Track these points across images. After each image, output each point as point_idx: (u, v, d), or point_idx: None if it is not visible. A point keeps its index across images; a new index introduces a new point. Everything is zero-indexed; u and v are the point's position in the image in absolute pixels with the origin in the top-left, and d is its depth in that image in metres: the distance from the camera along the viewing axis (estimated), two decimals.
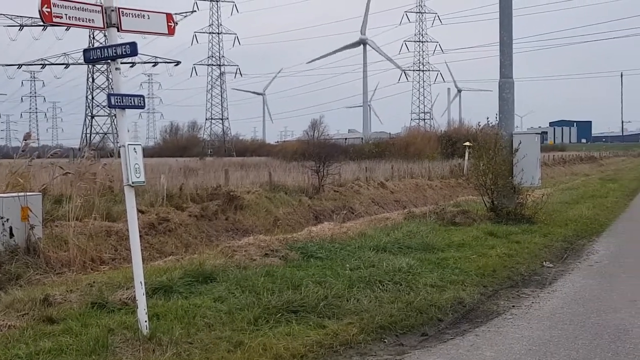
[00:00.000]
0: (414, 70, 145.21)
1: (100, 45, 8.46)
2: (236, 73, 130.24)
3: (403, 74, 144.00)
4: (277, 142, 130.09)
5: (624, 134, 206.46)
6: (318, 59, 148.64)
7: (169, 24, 7.66)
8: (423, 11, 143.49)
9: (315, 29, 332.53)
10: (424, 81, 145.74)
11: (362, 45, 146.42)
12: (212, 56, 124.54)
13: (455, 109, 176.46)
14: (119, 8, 7.15)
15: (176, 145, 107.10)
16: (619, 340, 7.29)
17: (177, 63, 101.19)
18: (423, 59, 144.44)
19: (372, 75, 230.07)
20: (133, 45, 6.98)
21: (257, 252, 11.14)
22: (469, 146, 31.85)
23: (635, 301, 9.10)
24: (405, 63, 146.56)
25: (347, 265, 10.30)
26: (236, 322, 7.45)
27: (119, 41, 7.25)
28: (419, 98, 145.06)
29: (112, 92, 7.30)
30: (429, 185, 35.21)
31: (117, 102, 7.12)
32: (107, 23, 7.10)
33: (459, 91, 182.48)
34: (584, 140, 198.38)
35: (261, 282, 8.93)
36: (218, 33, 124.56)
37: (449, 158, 48.69)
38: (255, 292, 8.49)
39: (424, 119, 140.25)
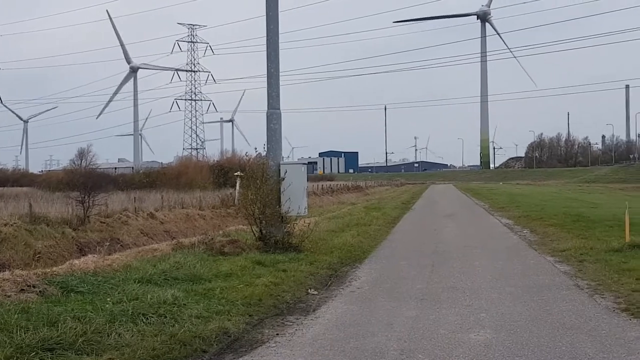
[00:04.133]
0: (186, 100, 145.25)
1: None
2: None
3: (175, 103, 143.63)
4: (42, 171, 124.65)
5: (387, 164, 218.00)
6: (103, 109, 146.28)
7: None
8: (195, 41, 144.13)
9: (81, 55, 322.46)
10: (196, 110, 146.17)
11: (133, 73, 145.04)
12: None
13: (230, 139, 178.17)
14: None
15: None
16: None
17: None
18: (195, 88, 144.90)
19: (144, 104, 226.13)
20: None
21: (13, 287, 10.48)
22: (240, 176, 32.11)
23: (391, 324, 9.50)
24: (177, 92, 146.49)
25: (109, 299, 9.96)
26: None
27: None
28: (191, 127, 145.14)
29: None
30: (200, 215, 35.12)
31: None
32: None
33: (232, 121, 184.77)
34: (351, 170, 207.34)
35: (15, 319, 8.40)
36: None
37: (221, 188, 48.82)
38: (8, 330, 7.97)
39: (197, 149, 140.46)
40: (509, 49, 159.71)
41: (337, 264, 15.69)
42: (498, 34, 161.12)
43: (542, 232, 22.73)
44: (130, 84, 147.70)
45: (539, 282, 12.85)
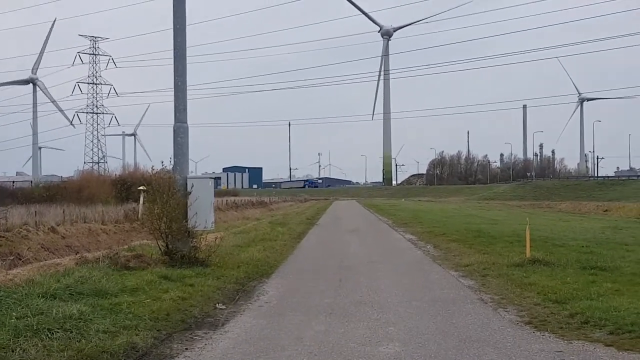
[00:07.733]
0: (87, 113, 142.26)
1: None
2: None
3: (76, 116, 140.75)
4: None
5: (292, 180, 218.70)
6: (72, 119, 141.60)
7: None
8: (97, 53, 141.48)
9: None
10: (98, 124, 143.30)
11: (31, 85, 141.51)
12: None
13: (133, 153, 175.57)
14: None
15: None
16: None
17: None
18: (97, 101, 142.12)
19: (44, 117, 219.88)
20: None
21: None
22: (144, 190, 31.58)
23: (301, 338, 9.53)
24: (78, 105, 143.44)
25: (13, 314, 9.66)
26: None
27: None
28: (92, 141, 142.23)
29: None
30: (103, 229, 34.37)
31: None
32: None
33: (134, 135, 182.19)
34: (255, 186, 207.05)
35: None
36: None
37: (124, 202, 48.01)
38: None
39: (98, 163, 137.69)
40: (386, 72, 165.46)
41: (244, 278, 15.66)
42: (387, 55, 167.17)
43: (445, 247, 23.19)
44: (29, 96, 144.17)
45: (444, 297, 13.11)
